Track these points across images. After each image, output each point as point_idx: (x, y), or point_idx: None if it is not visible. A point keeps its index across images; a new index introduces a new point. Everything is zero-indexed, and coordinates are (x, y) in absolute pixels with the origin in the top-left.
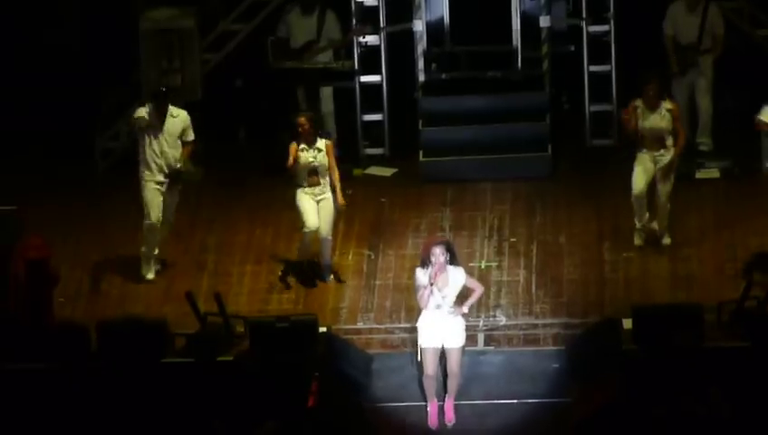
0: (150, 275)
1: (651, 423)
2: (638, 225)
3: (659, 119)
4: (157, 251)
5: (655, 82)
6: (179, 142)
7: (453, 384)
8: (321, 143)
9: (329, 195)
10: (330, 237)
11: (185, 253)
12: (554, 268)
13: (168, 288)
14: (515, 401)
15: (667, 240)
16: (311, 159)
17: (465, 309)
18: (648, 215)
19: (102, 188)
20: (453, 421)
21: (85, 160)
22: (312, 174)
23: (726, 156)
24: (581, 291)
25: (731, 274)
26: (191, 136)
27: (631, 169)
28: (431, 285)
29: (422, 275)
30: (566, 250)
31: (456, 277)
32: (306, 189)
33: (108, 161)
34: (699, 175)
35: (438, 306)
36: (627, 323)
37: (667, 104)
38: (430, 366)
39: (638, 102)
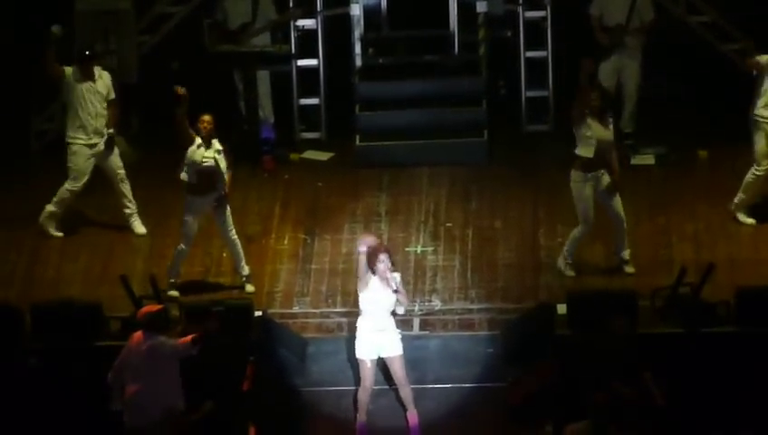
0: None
1: (584, 408)
2: (571, 260)
3: (606, 130)
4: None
5: (597, 90)
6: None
7: (408, 395)
8: (217, 144)
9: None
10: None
11: (120, 235)
12: (490, 253)
13: (102, 271)
14: (450, 385)
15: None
16: (206, 161)
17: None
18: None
19: (36, 169)
20: None
21: (19, 141)
22: (206, 178)
23: (661, 142)
24: (516, 276)
25: (665, 260)
26: (112, 95)
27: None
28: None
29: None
30: (501, 235)
31: (398, 282)
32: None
33: (42, 142)
34: (634, 161)
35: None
36: (561, 309)
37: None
38: (368, 378)
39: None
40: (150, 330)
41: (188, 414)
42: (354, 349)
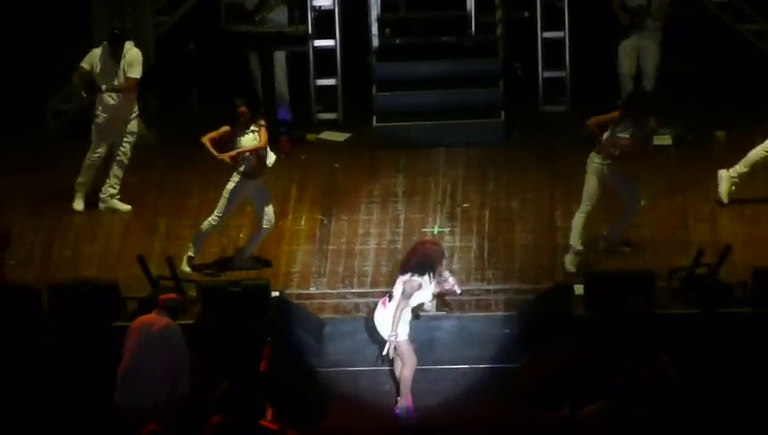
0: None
1: (601, 389)
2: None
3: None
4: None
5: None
6: None
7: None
8: (253, 126)
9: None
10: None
11: (137, 216)
12: (506, 234)
13: (119, 252)
14: (466, 366)
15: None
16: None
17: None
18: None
19: (54, 149)
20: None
21: (37, 122)
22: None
23: (678, 123)
24: (533, 257)
25: (682, 241)
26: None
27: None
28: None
29: (420, 284)
30: (518, 216)
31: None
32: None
33: (59, 123)
34: None
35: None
36: (578, 290)
37: None
38: (415, 357)
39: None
40: (168, 314)
41: (204, 395)
42: (401, 332)
